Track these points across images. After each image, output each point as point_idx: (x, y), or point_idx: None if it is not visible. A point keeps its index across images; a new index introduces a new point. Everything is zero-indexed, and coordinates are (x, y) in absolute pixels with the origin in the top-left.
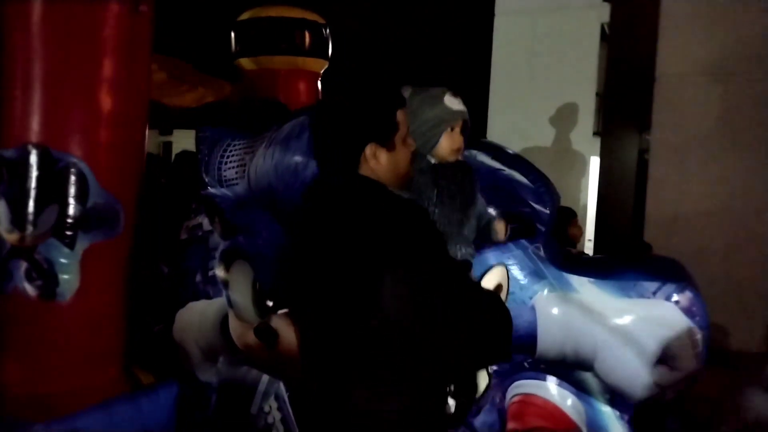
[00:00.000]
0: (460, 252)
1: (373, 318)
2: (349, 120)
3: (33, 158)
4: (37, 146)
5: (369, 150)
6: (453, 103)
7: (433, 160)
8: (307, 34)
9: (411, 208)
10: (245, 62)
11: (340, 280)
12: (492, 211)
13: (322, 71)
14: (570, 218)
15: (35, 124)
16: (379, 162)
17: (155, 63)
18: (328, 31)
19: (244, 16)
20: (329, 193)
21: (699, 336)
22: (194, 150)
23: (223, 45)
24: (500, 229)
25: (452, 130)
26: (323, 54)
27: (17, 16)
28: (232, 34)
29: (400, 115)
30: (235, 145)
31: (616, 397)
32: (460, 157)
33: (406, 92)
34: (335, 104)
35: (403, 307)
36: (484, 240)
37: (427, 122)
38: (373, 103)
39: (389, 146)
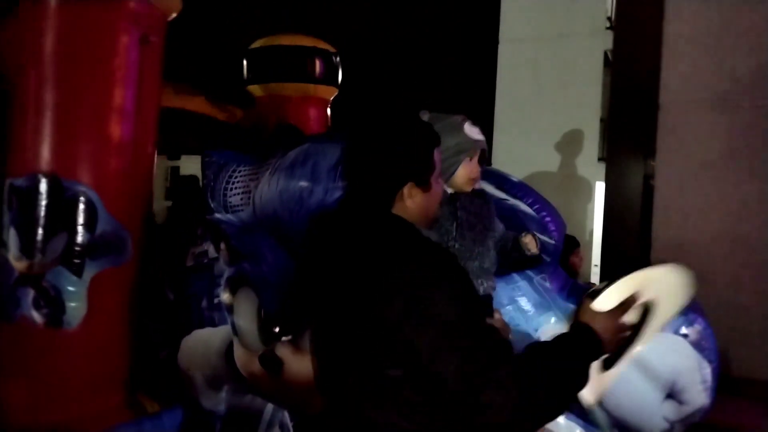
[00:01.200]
0: (482, 287)
1: (392, 368)
2: (391, 158)
3: (43, 187)
4: (46, 175)
5: (407, 189)
6: (473, 132)
7: (450, 190)
8: (317, 62)
9: (442, 253)
10: (256, 89)
11: (363, 325)
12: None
13: (332, 98)
14: (573, 247)
15: (45, 153)
16: (414, 201)
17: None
18: (338, 59)
19: (257, 44)
20: (356, 228)
21: (708, 370)
22: (192, 174)
23: (234, 72)
24: (529, 241)
25: (471, 159)
26: (333, 81)
27: (30, 48)
28: (245, 62)
29: (436, 155)
30: (240, 171)
31: (624, 431)
32: (474, 185)
33: (424, 117)
34: (377, 139)
35: (438, 357)
36: (512, 262)
37: (447, 150)
38: (416, 143)
39: (426, 187)
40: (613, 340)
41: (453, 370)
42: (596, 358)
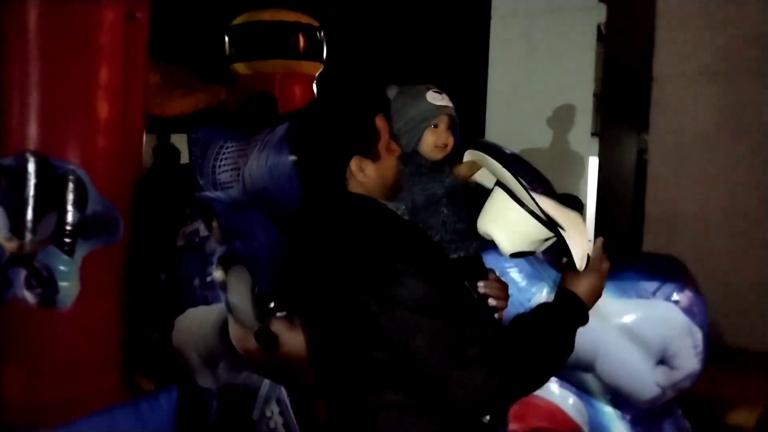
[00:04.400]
0: (471, 248)
1: (375, 350)
2: (328, 135)
3: (31, 166)
4: (35, 154)
5: (354, 164)
6: (435, 98)
7: (447, 180)
8: (301, 37)
9: (407, 231)
10: (240, 67)
11: (338, 308)
12: None
13: (317, 74)
14: (577, 208)
15: (33, 132)
16: (366, 175)
17: (150, 69)
18: (322, 33)
19: (238, 20)
20: (321, 213)
21: (699, 335)
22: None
23: (217, 49)
24: None
25: (436, 126)
26: (318, 57)
27: (13, 25)
28: (227, 39)
29: (379, 122)
30: (228, 148)
31: (617, 398)
32: (446, 152)
33: (392, 92)
34: (311, 120)
35: (407, 335)
36: None
37: (411, 120)
38: (350, 114)
39: (374, 156)
40: (594, 299)
41: (424, 349)
42: (582, 324)
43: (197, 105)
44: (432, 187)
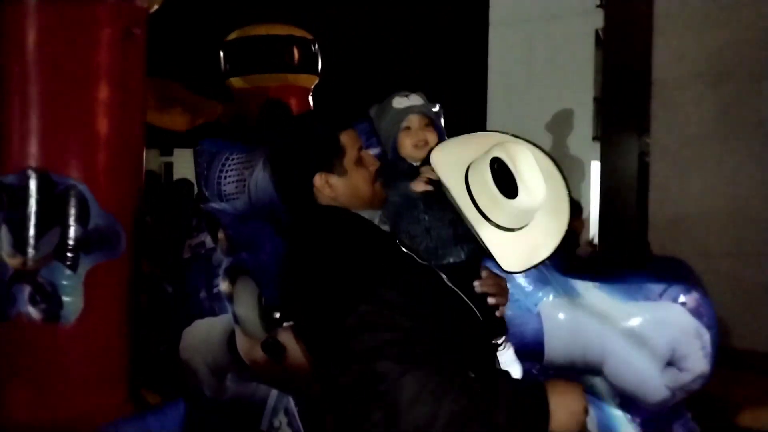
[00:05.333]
0: (463, 251)
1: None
2: (291, 154)
3: (33, 183)
4: (36, 171)
5: (318, 180)
6: (401, 102)
7: (419, 190)
8: (295, 51)
9: (377, 236)
10: (236, 81)
11: (316, 314)
12: None
13: (312, 86)
14: (575, 212)
15: (34, 149)
16: (333, 189)
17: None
18: (316, 46)
19: (232, 35)
20: (297, 228)
21: (707, 336)
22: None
23: (212, 65)
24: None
25: (409, 128)
26: (313, 69)
27: (12, 44)
28: (221, 54)
29: (345, 138)
30: (233, 159)
31: (626, 401)
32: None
33: (373, 110)
34: (278, 142)
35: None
36: None
37: (384, 129)
38: (310, 133)
39: (339, 171)
40: (570, 424)
41: (387, 361)
42: (537, 428)
43: (195, 121)
44: (411, 229)
